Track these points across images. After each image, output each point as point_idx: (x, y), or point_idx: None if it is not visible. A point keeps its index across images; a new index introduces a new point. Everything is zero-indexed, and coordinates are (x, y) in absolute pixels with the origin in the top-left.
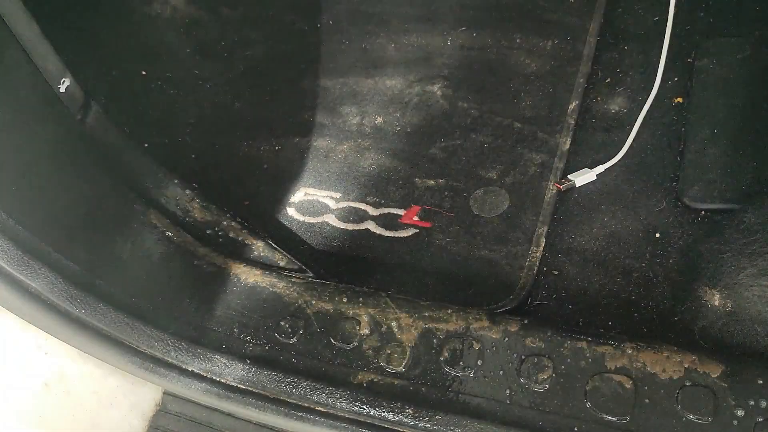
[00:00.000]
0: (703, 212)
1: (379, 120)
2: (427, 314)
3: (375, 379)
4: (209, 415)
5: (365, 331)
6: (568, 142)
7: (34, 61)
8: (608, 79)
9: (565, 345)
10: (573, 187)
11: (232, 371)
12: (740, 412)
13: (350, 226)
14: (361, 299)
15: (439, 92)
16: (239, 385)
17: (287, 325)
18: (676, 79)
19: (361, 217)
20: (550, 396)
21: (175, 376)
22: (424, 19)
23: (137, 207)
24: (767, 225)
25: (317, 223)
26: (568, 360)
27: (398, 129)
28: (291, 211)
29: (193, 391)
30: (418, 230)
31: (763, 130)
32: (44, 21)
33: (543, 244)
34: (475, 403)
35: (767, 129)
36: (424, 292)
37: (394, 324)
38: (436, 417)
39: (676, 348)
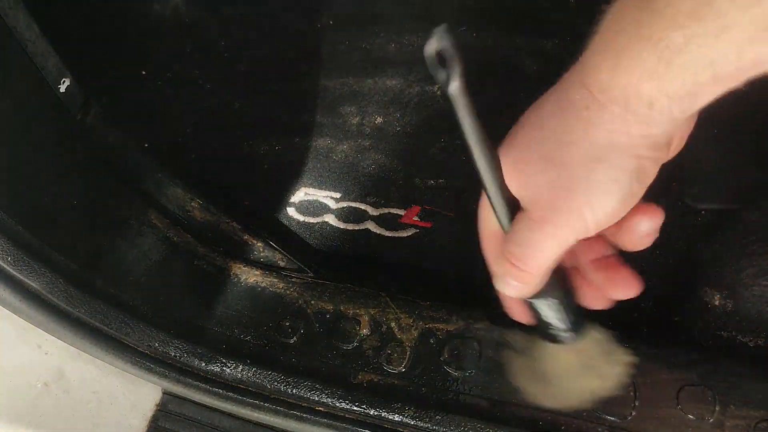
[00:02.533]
0: (703, 212)
1: (379, 120)
2: (427, 314)
3: (375, 379)
4: (209, 415)
5: (365, 331)
6: None
7: (34, 61)
8: None
9: None
10: None
11: (232, 371)
12: (741, 412)
13: (350, 226)
14: (361, 299)
15: (439, 92)
16: (239, 385)
17: (287, 325)
18: None
19: (361, 217)
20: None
21: (175, 376)
22: (424, 19)
23: (137, 207)
24: (767, 225)
25: (317, 223)
26: None
27: (398, 129)
28: (291, 211)
29: (193, 391)
30: (418, 230)
31: (764, 130)
32: (44, 21)
33: None
34: (475, 403)
35: (767, 128)
36: (424, 292)
37: (394, 324)
38: (436, 417)
39: (676, 348)
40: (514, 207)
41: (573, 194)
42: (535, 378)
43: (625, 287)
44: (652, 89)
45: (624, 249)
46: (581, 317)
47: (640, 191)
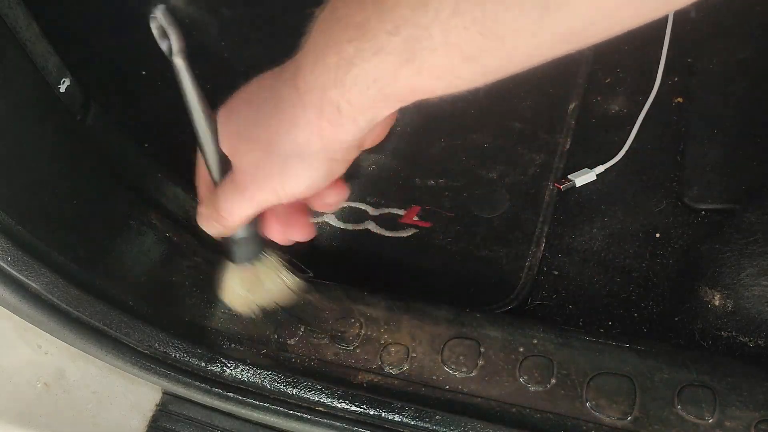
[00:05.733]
0: (703, 212)
1: None
2: (427, 314)
3: (375, 379)
4: (209, 415)
5: (365, 331)
6: (568, 142)
7: (34, 61)
8: (608, 79)
9: (565, 345)
10: (573, 187)
11: (232, 371)
12: (741, 412)
13: (350, 226)
14: (361, 299)
15: None
16: (239, 385)
17: (287, 325)
18: (676, 79)
19: (361, 217)
20: (550, 396)
21: (175, 376)
22: None
23: (137, 207)
24: (767, 225)
25: (317, 223)
26: (568, 360)
27: (398, 129)
28: None
29: (193, 391)
30: (418, 230)
31: (763, 130)
32: (44, 21)
33: (543, 244)
34: (475, 403)
35: (767, 128)
36: (424, 292)
37: (394, 324)
38: (436, 417)
39: (676, 348)
40: (225, 165)
41: (270, 176)
42: (224, 288)
43: (299, 232)
44: (338, 96)
45: (313, 208)
46: (261, 246)
47: (328, 182)
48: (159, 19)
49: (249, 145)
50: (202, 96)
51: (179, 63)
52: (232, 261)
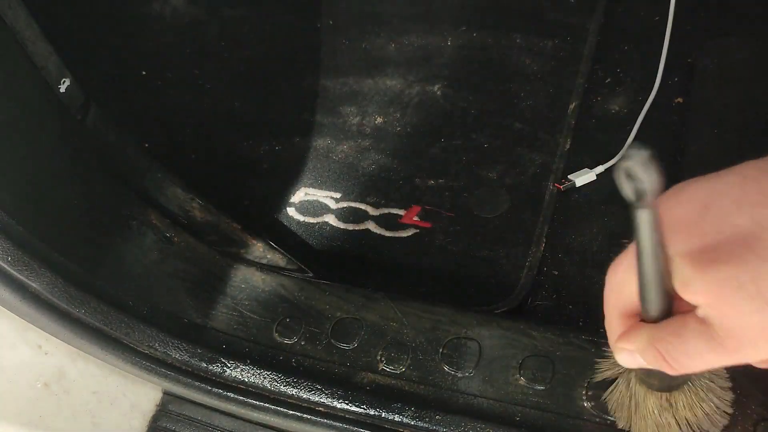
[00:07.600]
0: None
1: (379, 120)
2: (427, 314)
3: (375, 380)
4: (210, 416)
5: (365, 331)
6: (568, 142)
7: (34, 61)
8: (608, 79)
9: (565, 345)
10: (573, 187)
11: (233, 371)
12: (741, 412)
13: (350, 226)
14: (361, 299)
15: (439, 92)
16: (239, 386)
17: (287, 325)
18: (676, 79)
19: (361, 217)
20: (550, 396)
21: (175, 376)
22: (425, 19)
23: (137, 207)
24: None
25: (317, 223)
26: (568, 360)
27: (398, 129)
28: (291, 211)
29: (194, 392)
30: (418, 230)
31: (763, 130)
32: (44, 21)
33: (543, 244)
34: (475, 403)
35: (767, 128)
36: (424, 292)
37: (394, 324)
38: (436, 417)
39: None
40: (668, 305)
41: None
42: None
43: None
44: None
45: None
46: None
47: None
48: (633, 166)
49: (756, 305)
50: (661, 249)
51: (647, 217)
52: (655, 388)
